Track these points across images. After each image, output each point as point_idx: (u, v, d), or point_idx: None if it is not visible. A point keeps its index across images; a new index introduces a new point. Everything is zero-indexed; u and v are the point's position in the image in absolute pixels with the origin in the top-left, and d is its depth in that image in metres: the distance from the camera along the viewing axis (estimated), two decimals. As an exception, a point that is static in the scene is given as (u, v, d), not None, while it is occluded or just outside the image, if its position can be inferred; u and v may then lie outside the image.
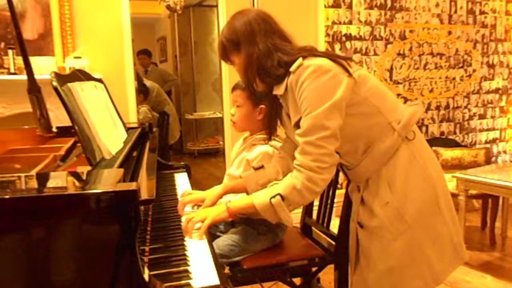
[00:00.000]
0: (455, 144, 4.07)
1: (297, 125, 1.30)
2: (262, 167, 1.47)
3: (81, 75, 1.39)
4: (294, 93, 1.26)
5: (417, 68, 4.03)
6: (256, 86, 1.37)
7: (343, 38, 3.68)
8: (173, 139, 5.09)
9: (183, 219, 1.36)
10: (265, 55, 1.28)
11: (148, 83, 4.83)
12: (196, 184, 1.77)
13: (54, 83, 1.06)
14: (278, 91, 1.32)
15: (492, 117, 4.52)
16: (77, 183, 0.95)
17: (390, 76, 3.93)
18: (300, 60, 1.24)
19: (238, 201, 1.36)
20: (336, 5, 3.62)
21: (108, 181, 0.93)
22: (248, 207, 1.31)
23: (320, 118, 1.20)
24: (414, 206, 1.28)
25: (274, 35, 1.31)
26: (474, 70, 4.33)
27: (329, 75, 1.21)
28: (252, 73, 1.32)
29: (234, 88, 1.72)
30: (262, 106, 1.64)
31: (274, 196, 1.24)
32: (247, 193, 1.46)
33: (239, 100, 1.69)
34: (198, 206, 1.48)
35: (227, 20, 1.38)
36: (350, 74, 1.24)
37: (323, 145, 1.21)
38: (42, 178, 1.00)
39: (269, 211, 1.26)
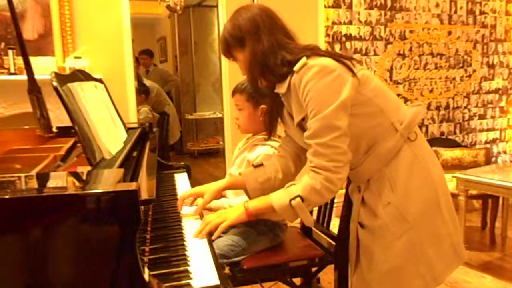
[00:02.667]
0: (455, 144, 4.07)
1: (300, 125, 1.30)
2: (261, 165, 1.46)
3: (81, 75, 1.39)
4: (298, 92, 1.25)
5: (417, 68, 4.04)
6: (261, 83, 1.36)
7: (343, 38, 3.69)
8: (173, 139, 5.10)
9: (183, 221, 1.36)
10: (269, 52, 1.27)
11: (148, 83, 4.83)
12: (196, 184, 1.76)
13: (54, 83, 1.06)
14: (280, 89, 1.31)
15: (492, 117, 4.52)
16: (77, 183, 0.95)
17: (390, 76, 3.93)
18: (304, 59, 1.23)
19: (255, 201, 1.34)
20: (336, 5, 3.62)
21: (108, 181, 0.93)
22: (266, 208, 1.30)
23: (329, 119, 1.20)
24: (415, 206, 1.28)
25: (278, 32, 1.30)
26: (474, 70, 4.33)
27: (334, 75, 1.21)
28: (256, 70, 1.31)
29: (233, 93, 1.74)
30: (263, 106, 1.64)
31: (294, 198, 1.24)
32: (246, 191, 1.45)
33: (240, 103, 1.71)
34: (204, 211, 1.47)
35: (228, 18, 1.37)
36: (354, 74, 1.24)
37: (336, 145, 1.21)
38: (42, 178, 1.00)
39: (289, 212, 1.26)
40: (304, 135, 1.26)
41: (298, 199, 1.23)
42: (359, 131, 1.28)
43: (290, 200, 1.24)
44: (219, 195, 1.50)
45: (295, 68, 1.24)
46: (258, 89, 1.45)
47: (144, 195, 1.01)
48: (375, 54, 3.83)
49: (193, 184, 1.79)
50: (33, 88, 1.38)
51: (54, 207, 0.79)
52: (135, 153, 1.41)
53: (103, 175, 0.97)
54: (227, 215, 1.31)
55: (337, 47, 3.66)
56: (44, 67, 2.60)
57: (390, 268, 1.31)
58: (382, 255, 1.32)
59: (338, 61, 1.24)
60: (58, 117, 2.36)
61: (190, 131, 6.52)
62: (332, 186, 1.22)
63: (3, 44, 2.72)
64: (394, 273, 1.31)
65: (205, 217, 1.30)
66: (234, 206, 1.39)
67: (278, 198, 1.28)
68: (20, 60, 2.48)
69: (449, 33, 4.15)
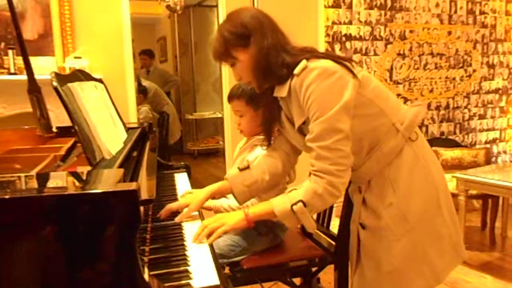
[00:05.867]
0: (455, 144, 4.07)
1: (300, 129, 1.29)
2: (247, 167, 1.44)
3: (81, 75, 1.39)
4: (299, 96, 1.23)
5: (417, 68, 4.04)
6: (265, 84, 1.32)
7: (343, 38, 3.69)
8: (173, 139, 5.09)
9: (183, 221, 1.35)
10: (272, 50, 1.24)
11: (146, 83, 4.83)
12: (196, 184, 1.77)
13: (54, 83, 1.06)
14: (280, 93, 1.29)
15: (492, 117, 4.52)
16: (77, 183, 0.95)
17: (390, 76, 3.93)
18: (304, 62, 1.21)
19: (256, 208, 1.32)
20: (336, 5, 3.62)
21: (108, 181, 0.93)
22: (267, 214, 1.28)
23: (332, 122, 1.18)
24: (416, 207, 1.28)
25: (277, 31, 1.29)
26: (474, 70, 4.33)
27: (335, 77, 1.19)
28: (261, 70, 1.27)
29: (229, 99, 1.68)
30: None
31: (295, 203, 1.21)
32: (233, 194, 1.43)
33: (239, 109, 1.66)
34: (204, 211, 1.45)
35: (223, 21, 1.32)
36: (354, 75, 1.22)
37: (339, 148, 1.19)
38: (42, 178, 1.00)
39: (291, 218, 1.24)
40: (306, 139, 1.24)
41: (300, 204, 1.21)
42: (361, 132, 1.27)
43: (292, 205, 1.22)
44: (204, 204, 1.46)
45: (296, 71, 1.22)
46: (255, 93, 1.42)
47: (144, 195, 1.01)
48: (375, 54, 3.83)
49: (193, 184, 1.79)
50: (33, 88, 1.37)
51: (54, 207, 0.79)
52: (135, 153, 1.41)
53: (103, 175, 0.97)
54: (226, 220, 1.27)
55: (337, 47, 3.66)
56: (44, 67, 2.60)
57: (392, 269, 1.31)
58: (384, 255, 1.32)
59: (338, 63, 1.22)
60: (58, 117, 2.36)
61: (190, 131, 6.52)
62: (334, 191, 1.21)
63: (3, 44, 2.72)
64: (396, 273, 1.31)
65: (203, 222, 1.28)
66: (234, 212, 1.35)
67: (279, 203, 1.25)
68: (20, 60, 2.48)
69: (449, 33, 4.15)
